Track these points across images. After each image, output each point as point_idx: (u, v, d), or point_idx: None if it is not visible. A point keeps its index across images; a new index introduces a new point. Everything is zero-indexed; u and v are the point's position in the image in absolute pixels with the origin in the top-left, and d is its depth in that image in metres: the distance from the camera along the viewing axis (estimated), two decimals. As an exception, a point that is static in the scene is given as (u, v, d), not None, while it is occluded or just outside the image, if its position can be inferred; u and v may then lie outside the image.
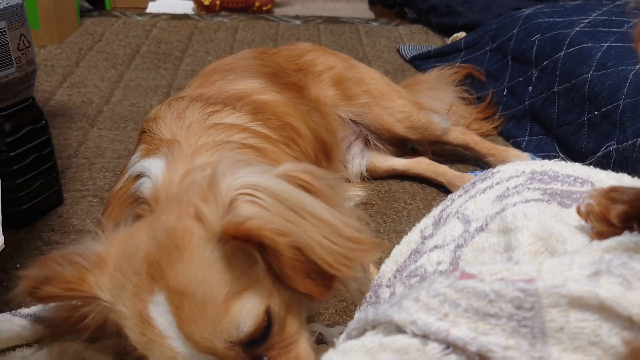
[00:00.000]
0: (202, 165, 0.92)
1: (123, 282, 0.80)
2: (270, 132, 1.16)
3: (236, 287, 0.78)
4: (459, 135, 1.73)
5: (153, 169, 0.95)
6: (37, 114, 1.43)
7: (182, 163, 0.94)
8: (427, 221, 1.02)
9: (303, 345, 0.85)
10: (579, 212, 0.74)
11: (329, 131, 1.49)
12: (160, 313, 0.77)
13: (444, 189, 1.62)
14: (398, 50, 2.61)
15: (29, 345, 1.03)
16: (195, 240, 0.78)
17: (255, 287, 0.79)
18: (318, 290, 0.81)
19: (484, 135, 1.83)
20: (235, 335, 0.77)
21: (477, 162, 1.73)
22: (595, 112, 1.57)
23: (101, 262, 0.83)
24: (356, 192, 1.57)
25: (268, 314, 0.80)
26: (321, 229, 0.79)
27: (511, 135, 1.86)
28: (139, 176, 0.98)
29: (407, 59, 2.51)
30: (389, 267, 1.00)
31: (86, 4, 3.07)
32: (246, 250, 0.79)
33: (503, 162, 1.60)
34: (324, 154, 1.39)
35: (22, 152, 1.38)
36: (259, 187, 0.79)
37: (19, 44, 1.32)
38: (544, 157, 1.64)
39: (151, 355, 0.79)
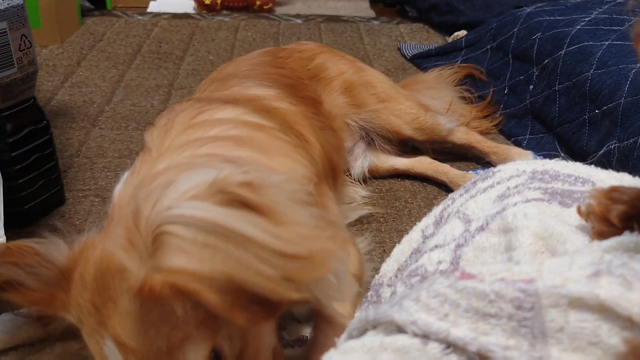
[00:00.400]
0: (158, 172, 0.87)
1: (82, 317, 0.78)
2: (266, 122, 1.12)
3: (177, 336, 0.73)
4: (462, 135, 1.73)
5: (119, 184, 0.94)
6: (39, 114, 1.43)
7: (142, 171, 0.91)
8: (428, 220, 1.02)
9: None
10: (579, 212, 0.74)
11: (338, 150, 1.47)
12: (115, 358, 0.75)
13: (445, 188, 1.62)
14: (399, 49, 2.61)
15: (31, 345, 1.04)
16: (124, 292, 0.73)
17: (196, 331, 0.74)
18: (264, 316, 0.73)
19: (484, 133, 1.83)
20: None
21: (478, 160, 1.73)
22: (596, 111, 1.57)
23: (66, 280, 0.80)
24: (358, 192, 1.58)
25: (215, 352, 0.75)
26: (256, 254, 0.69)
27: (512, 134, 1.86)
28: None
29: (408, 57, 2.51)
30: (390, 266, 1.00)
31: (87, 4, 3.07)
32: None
33: (505, 160, 1.61)
34: (331, 173, 1.36)
35: (24, 152, 1.39)
36: (182, 220, 0.69)
37: (20, 44, 1.33)
38: (544, 156, 1.64)
39: None
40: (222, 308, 0.68)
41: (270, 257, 0.69)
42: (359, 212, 1.51)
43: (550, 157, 1.43)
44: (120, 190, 0.90)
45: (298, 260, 0.71)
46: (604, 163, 1.46)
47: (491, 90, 1.98)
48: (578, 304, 0.58)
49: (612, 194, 0.69)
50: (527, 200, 0.82)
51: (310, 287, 0.74)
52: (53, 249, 0.84)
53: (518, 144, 1.81)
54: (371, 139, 1.68)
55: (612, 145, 1.46)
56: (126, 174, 0.98)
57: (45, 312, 0.82)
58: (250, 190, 0.73)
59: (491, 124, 1.90)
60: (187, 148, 0.94)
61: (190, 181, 0.74)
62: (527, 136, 1.82)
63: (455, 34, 2.55)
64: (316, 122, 1.39)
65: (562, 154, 1.66)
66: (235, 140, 0.99)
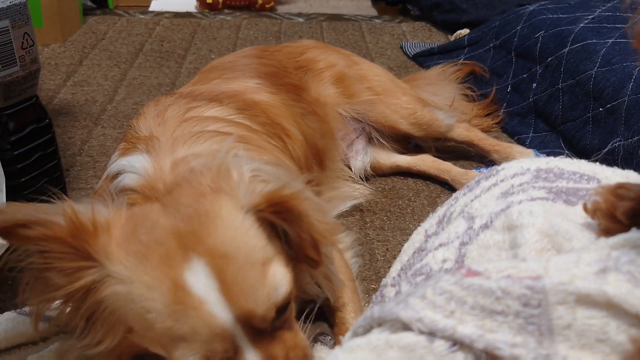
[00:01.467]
0: (187, 157, 0.95)
1: (144, 252, 0.78)
2: (253, 125, 1.17)
3: (268, 253, 0.82)
4: (463, 131, 1.72)
5: (138, 164, 0.96)
6: (41, 112, 1.43)
7: (165, 155, 0.97)
8: (431, 221, 1.02)
9: (296, 325, 0.90)
10: (585, 209, 0.73)
11: (325, 135, 1.48)
12: (198, 279, 0.76)
13: (449, 187, 1.62)
14: (401, 48, 2.61)
15: (34, 343, 1.04)
16: (225, 211, 0.81)
17: (280, 255, 0.85)
18: (318, 259, 0.89)
19: (485, 131, 1.82)
20: (274, 297, 0.80)
21: (481, 158, 1.73)
22: (600, 109, 1.56)
23: (108, 229, 0.81)
24: (359, 190, 1.57)
25: (290, 289, 0.84)
26: (314, 208, 0.88)
27: (515, 132, 1.86)
28: (117, 175, 0.98)
29: (411, 56, 2.50)
30: (393, 266, 0.99)
31: (89, 3, 3.07)
32: (266, 222, 0.84)
33: (507, 158, 1.60)
34: (316, 159, 1.38)
35: (26, 150, 1.38)
36: (263, 171, 0.87)
37: (22, 42, 1.32)
38: (548, 154, 1.64)
39: (183, 324, 0.76)
40: (307, 230, 0.85)
41: (322, 214, 0.90)
42: (350, 201, 1.52)
43: (554, 155, 1.42)
44: (152, 167, 0.94)
45: (331, 223, 0.93)
46: (609, 161, 1.45)
47: (494, 88, 1.98)
48: (586, 300, 0.57)
49: (619, 190, 0.69)
50: (532, 199, 0.81)
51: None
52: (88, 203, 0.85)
53: (521, 142, 1.81)
54: (370, 134, 1.67)
55: (616, 143, 1.46)
56: (123, 158, 1.00)
57: (79, 256, 0.79)
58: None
59: (493, 122, 1.90)
60: (196, 140, 1.01)
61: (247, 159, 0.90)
62: (531, 134, 1.82)
63: (458, 32, 2.54)
64: (297, 109, 1.40)
65: (566, 152, 1.66)
66: (235, 137, 1.05)
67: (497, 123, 1.90)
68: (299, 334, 0.88)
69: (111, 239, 0.80)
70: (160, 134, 1.05)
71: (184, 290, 0.76)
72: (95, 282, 0.80)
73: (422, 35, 2.80)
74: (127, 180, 0.95)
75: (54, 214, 0.80)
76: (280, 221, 0.84)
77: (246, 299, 0.77)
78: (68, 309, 0.85)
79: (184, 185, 0.86)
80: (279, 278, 0.81)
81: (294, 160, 1.24)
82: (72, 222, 0.79)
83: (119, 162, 1.00)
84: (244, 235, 0.81)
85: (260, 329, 0.80)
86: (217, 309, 0.76)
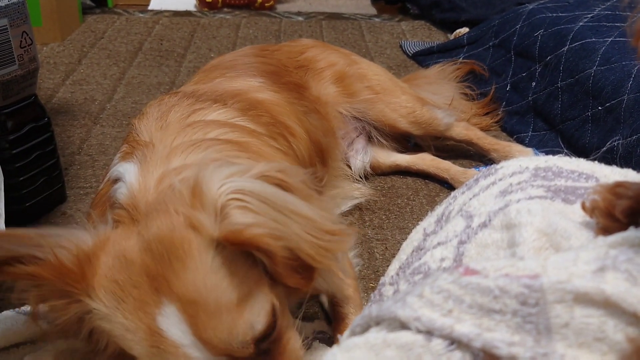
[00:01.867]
0: (177, 168, 0.92)
1: (121, 295, 0.79)
2: (256, 127, 1.15)
3: (244, 290, 0.79)
4: (462, 130, 1.72)
5: (127, 175, 0.94)
6: (40, 111, 1.43)
7: (156, 166, 0.94)
8: (430, 220, 1.02)
9: (293, 334, 0.89)
10: (583, 207, 0.73)
11: (327, 133, 1.48)
12: (172, 324, 0.77)
13: (448, 185, 1.62)
14: (401, 47, 2.61)
15: (32, 342, 1.03)
16: (195, 249, 0.78)
17: (259, 286, 0.82)
18: (304, 282, 0.84)
19: (484, 129, 1.82)
20: (251, 334, 0.79)
21: (480, 157, 1.73)
22: (599, 107, 1.56)
23: (92, 261, 0.81)
24: (360, 189, 1.57)
25: (274, 309, 0.82)
26: (304, 225, 0.82)
27: (514, 131, 1.86)
28: (117, 180, 0.97)
29: (410, 55, 2.50)
30: (392, 265, 0.99)
31: (88, 1, 3.07)
32: (243, 253, 0.80)
33: (506, 157, 1.60)
34: (319, 157, 1.38)
35: (25, 149, 1.38)
36: (245, 191, 0.80)
37: (21, 41, 1.32)
38: (547, 153, 1.63)
39: None
40: (283, 264, 0.79)
41: (314, 230, 0.82)
42: (330, 203, 1.52)
43: (553, 154, 1.41)
44: (137, 181, 0.92)
45: (333, 234, 0.85)
46: (608, 160, 1.45)
47: (493, 87, 1.98)
48: (583, 299, 0.57)
49: (617, 189, 0.69)
50: (531, 198, 0.81)
51: (332, 260, 0.86)
52: (74, 232, 0.85)
53: (520, 141, 1.81)
54: (369, 133, 1.67)
55: (615, 142, 1.46)
56: (121, 164, 0.99)
57: (70, 291, 0.80)
58: (287, 175, 0.85)
59: (492, 121, 1.90)
60: (194, 149, 0.98)
61: (230, 169, 0.83)
62: (530, 133, 1.82)
63: (457, 31, 2.54)
64: (300, 107, 1.40)
65: (565, 151, 1.66)
66: (234, 144, 1.04)
67: (496, 122, 1.90)
68: (291, 341, 0.87)
69: (95, 272, 0.80)
70: (158, 141, 1.02)
71: (160, 336, 0.77)
72: (83, 314, 0.82)
73: (421, 34, 2.80)
74: (119, 193, 0.93)
75: (38, 247, 0.80)
76: (254, 252, 0.81)
77: (221, 340, 0.77)
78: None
79: (160, 210, 0.83)
80: (255, 314, 0.79)
81: (299, 160, 1.23)
82: (55, 263, 0.80)
83: (118, 168, 0.99)
84: (215, 276, 0.78)
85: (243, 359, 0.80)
86: (193, 352, 0.77)
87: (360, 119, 1.65)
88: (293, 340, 0.88)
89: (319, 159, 1.39)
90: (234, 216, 0.78)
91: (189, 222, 0.79)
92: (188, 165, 0.92)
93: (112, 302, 0.80)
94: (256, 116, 1.20)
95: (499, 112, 1.93)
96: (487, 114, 1.92)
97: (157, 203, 0.85)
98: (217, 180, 0.80)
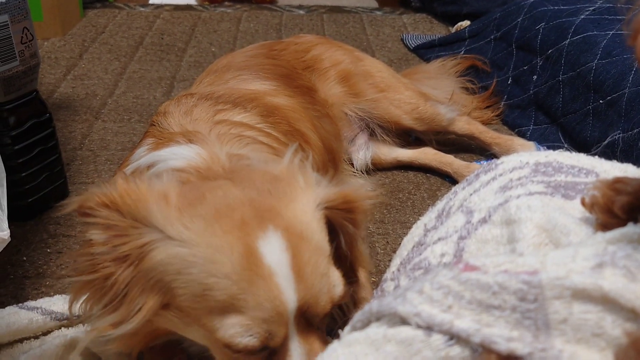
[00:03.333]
0: (237, 155, 0.94)
1: (214, 216, 0.75)
2: (278, 135, 1.16)
3: (329, 251, 0.81)
4: (464, 125, 1.72)
5: (184, 152, 0.93)
6: (41, 107, 1.43)
7: (215, 147, 0.95)
8: (430, 215, 1.02)
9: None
10: (583, 203, 0.73)
11: (337, 137, 1.48)
12: (273, 250, 0.74)
13: (449, 179, 1.62)
14: (402, 40, 2.60)
15: (35, 337, 1.04)
16: (302, 197, 0.80)
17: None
18: (357, 276, 0.95)
19: (485, 123, 1.82)
20: (334, 293, 0.79)
21: (482, 151, 1.73)
22: (601, 101, 1.56)
23: (165, 196, 0.77)
24: (361, 184, 1.58)
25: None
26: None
27: (516, 125, 1.86)
28: (150, 166, 0.95)
29: (411, 48, 2.50)
30: (393, 261, 1.00)
31: (89, -4, 3.07)
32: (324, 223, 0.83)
33: (508, 151, 1.60)
34: (332, 162, 1.38)
35: (27, 145, 1.39)
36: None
37: (22, 37, 1.32)
38: (548, 147, 1.64)
39: (249, 293, 0.73)
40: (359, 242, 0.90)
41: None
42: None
43: (554, 148, 1.42)
44: (201, 155, 0.92)
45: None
46: (608, 154, 1.45)
47: (494, 80, 1.98)
48: (582, 295, 0.57)
49: (616, 185, 0.69)
50: (530, 194, 0.81)
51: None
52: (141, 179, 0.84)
53: (522, 134, 1.81)
54: (372, 130, 1.67)
55: (616, 135, 1.46)
56: (156, 152, 0.98)
57: (133, 224, 0.76)
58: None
59: (493, 115, 1.90)
60: (238, 141, 1.01)
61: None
62: (531, 127, 1.82)
63: (459, 24, 2.54)
64: (313, 112, 1.40)
65: (566, 145, 1.66)
66: (268, 147, 1.06)
67: (497, 115, 1.90)
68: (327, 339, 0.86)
69: (169, 204, 0.77)
70: (199, 130, 1.03)
71: (257, 258, 0.73)
72: (147, 246, 0.76)
73: (423, 27, 2.79)
74: (173, 164, 0.91)
75: (110, 188, 0.79)
76: (345, 222, 0.84)
77: (313, 284, 0.76)
78: (103, 281, 0.79)
79: (252, 169, 0.85)
80: (337, 276, 0.80)
81: (314, 169, 1.24)
82: (123, 190, 0.77)
83: (153, 155, 0.97)
84: (317, 225, 0.80)
85: (311, 321, 0.79)
86: (286, 286, 0.74)
87: (364, 118, 1.65)
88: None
89: (332, 164, 1.38)
90: (330, 186, 0.86)
91: (293, 180, 0.82)
92: (243, 155, 0.95)
93: (200, 224, 0.75)
94: (275, 123, 1.20)
95: (500, 106, 1.93)
96: (488, 107, 1.92)
97: (243, 168, 0.86)
98: (303, 167, 0.87)
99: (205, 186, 0.81)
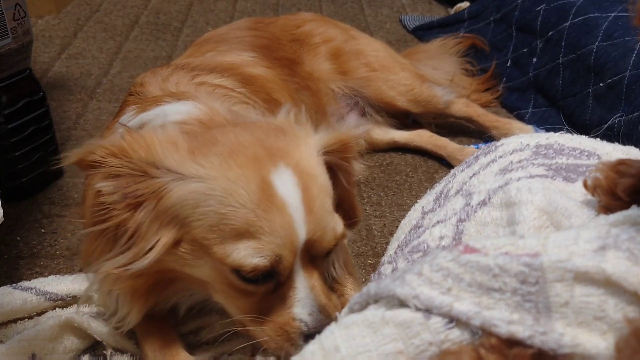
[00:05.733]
0: (230, 111, 0.98)
1: (228, 152, 0.80)
2: (257, 101, 1.17)
3: (332, 194, 0.87)
4: (462, 107, 1.71)
5: (179, 108, 0.96)
6: (35, 85, 1.41)
7: (210, 102, 0.98)
8: (428, 198, 1.01)
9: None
10: (585, 185, 0.72)
11: (318, 111, 1.47)
12: (285, 183, 0.79)
13: (446, 162, 1.61)
14: (400, 21, 2.57)
15: (29, 318, 1.03)
16: (306, 143, 0.86)
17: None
18: (359, 214, 1.00)
19: (484, 106, 1.80)
20: (337, 230, 0.85)
21: (480, 134, 1.72)
22: (601, 84, 1.55)
23: (173, 143, 0.82)
24: (348, 126, 1.56)
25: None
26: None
27: (515, 107, 1.84)
28: (142, 126, 0.96)
29: (410, 29, 2.47)
30: (390, 244, 0.99)
31: (83, -26, 3.01)
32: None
33: (506, 134, 1.58)
34: None
35: (21, 124, 1.37)
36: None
37: (14, 13, 1.30)
38: (548, 130, 1.62)
39: (264, 220, 0.78)
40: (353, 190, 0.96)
41: None
42: None
43: (555, 130, 1.40)
44: (199, 109, 0.95)
45: None
46: (609, 137, 1.44)
47: (493, 63, 1.96)
48: (584, 278, 0.57)
49: (620, 167, 0.68)
50: (531, 177, 0.81)
51: None
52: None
53: (520, 117, 1.79)
54: (363, 109, 1.65)
55: (617, 118, 1.45)
56: (144, 113, 0.99)
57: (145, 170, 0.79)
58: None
59: (492, 97, 1.88)
60: (227, 99, 1.06)
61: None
62: (530, 110, 1.80)
63: (458, 5, 2.51)
64: (292, 85, 1.40)
65: (567, 127, 1.64)
66: (254, 109, 1.11)
67: (496, 98, 1.89)
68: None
69: (179, 149, 0.81)
70: (185, 90, 1.06)
71: (271, 189, 0.78)
72: (162, 188, 0.79)
73: (421, 9, 2.76)
74: (173, 117, 0.94)
75: (114, 140, 0.83)
76: (343, 162, 0.91)
77: (321, 218, 0.81)
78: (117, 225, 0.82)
79: (254, 121, 0.92)
80: (337, 216, 0.86)
81: None
82: (130, 140, 0.80)
83: (142, 116, 0.99)
84: (321, 167, 0.86)
85: (315, 258, 0.85)
86: (298, 217, 0.79)
87: (354, 96, 1.63)
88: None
89: None
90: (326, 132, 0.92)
91: (295, 129, 0.88)
92: (238, 112, 1.00)
93: (215, 161, 0.79)
94: (255, 92, 1.20)
95: (499, 88, 1.91)
96: (487, 90, 1.90)
97: (244, 120, 0.92)
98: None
99: (215, 130, 0.86)
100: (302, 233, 0.80)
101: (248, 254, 0.77)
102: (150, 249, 0.80)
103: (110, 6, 2.69)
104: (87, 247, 0.85)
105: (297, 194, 0.80)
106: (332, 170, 0.92)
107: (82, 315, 0.97)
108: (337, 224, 0.85)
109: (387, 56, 1.68)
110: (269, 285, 0.83)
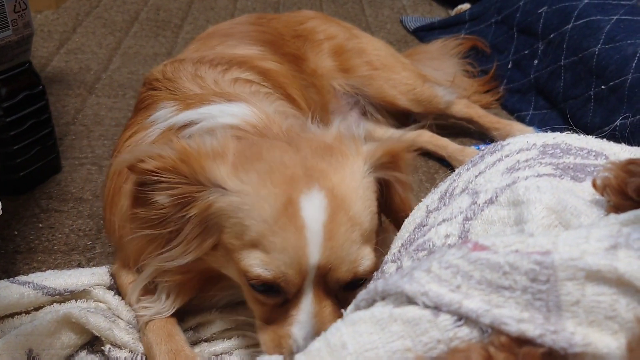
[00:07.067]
0: (283, 112, 1.03)
1: (267, 170, 0.82)
2: (283, 98, 1.18)
3: (373, 224, 0.86)
4: (462, 108, 1.70)
5: (231, 110, 0.98)
6: (34, 79, 1.40)
7: (261, 105, 1.00)
8: (433, 196, 1.00)
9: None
10: (594, 185, 0.72)
11: (322, 108, 1.47)
12: (311, 206, 0.79)
13: (446, 162, 1.60)
14: (401, 22, 2.57)
15: (27, 312, 1.02)
16: (353, 163, 0.85)
17: (373, 237, 0.88)
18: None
19: (485, 107, 1.80)
20: (359, 265, 0.83)
21: (481, 135, 1.71)
22: (602, 87, 1.55)
23: (221, 154, 0.84)
24: (396, 134, 1.56)
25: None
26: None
27: (515, 109, 1.84)
28: (186, 126, 0.99)
29: (411, 30, 2.47)
30: (393, 242, 0.98)
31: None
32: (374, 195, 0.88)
33: (507, 136, 1.57)
34: None
35: (19, 117, 1.36)
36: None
37: (15, 6, 1.29)
38: (551, 130, 1.62)
39: (278, 236, 0.79)
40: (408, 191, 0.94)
41: None
42: None
43: (560, 131, 1.40)
44: (254, 113, 0.97)
45: None
46: (611, 140, 1.44)
47: (495, 64, 1.95)
48: (595, 277, 0.56)
49: (630, 166, 0.67)
50: (539, 175, 0.80)
51: None
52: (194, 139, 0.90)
53: (521, 119, 1.79)
54: (364, 108, 1.64)
55: (619, 122, 1.44)
56: (187, 112, 1.01)
57: (197, 180, 0.83)
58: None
59: (492, 99, 1.88)
60: (268, 98, 1.08)
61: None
62: (531, 112, 1.80)
63: (459, 7, 2.51)
64: (301, 81, 1.40)
65: (573, 127, 1.64)
66: (290, 105, 1.12)
67: (496, 100, 1.88)
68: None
69: (226, 161, 0.84)
70: (226, 89, 1.07)
71: (295, 209, 0.79)
72: (207, 199, 0.83)
73: (422, 10, 2.76)
74: (225, 120, 0.96)
75: (165, 149, 0.86)
76: (396, 174, 0.90)
77: (340, 247, 0.80)
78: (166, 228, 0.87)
79: (307, 133, 0.91)
80: (368, 252, 0.84)
81: None
82: (181, 151, 0.83)
83: (187, 114, 1.01)
84: (361, 193, 0.84)
85: (330, 287, 0.83)
86: (313, 241, 0.79)
87: (355, 94, 1.62)
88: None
89: None
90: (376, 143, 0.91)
91: (345, 147, 0.87)
92: (286, 112, 1.02)
93: (254, 178, 0.81)
94: (274, 87, 1.20)
95: (500, 90, 1.91)
96: (487, 91, 1.90)
97: (298, 130, 0.92)
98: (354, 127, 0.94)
99: (264, 144, 0.87)
100: (314, 256, 0.80)
101: (255, 264, 0.81)
102: (193, 250, 0.86)
103: (110, 2, 2.68)
104: (138, 247, 0.92)
105: (321, 218, 0.79)
106: (387, 182, 0.92)
107: (81, 310, 0.96)
108: (361, 258, 0.83)
109: (389, 55, 1.67)
110: (276, 299, 0.85)
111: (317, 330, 0.81)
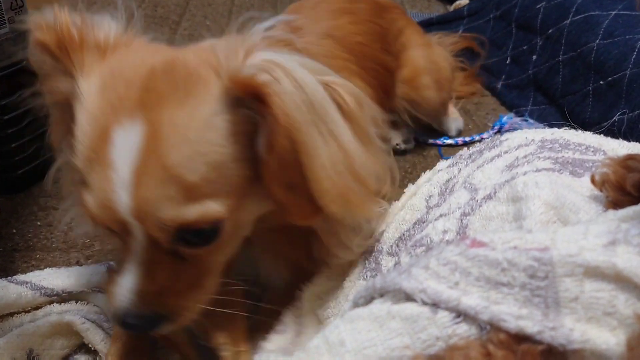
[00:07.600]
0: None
1: (107, 84, 0.71)
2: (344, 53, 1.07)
3: (215, 176, 0.67)
4: None
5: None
6: (32, 76, 1.39)
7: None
8: (432, 190, 1.00)
9: (217, 276, 0.77)
10: (593, 181, 0.72)
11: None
12: (125, 141, 0.66)
13: (446, 158, 1.60)
14: (399, 17, 2.56)
15: (25, 312, 1.02)
16: (206, 92, 0.68)
17: (233, 191, 0.69)
18: (295, 208, 0.70)
19: (473, 94, 1.80)
20: (183, 212, 0.66)
21: (482, 128, 1.71)
22: (601, 82, 1.54)
23: (104, 48, 0.77)
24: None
25: (221, 221, 0.70)
26: (332, 151, 0.69)
27: (514, 105, 1.84)
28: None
29: (409, 26, 2.46)
30: (390, 233, 0.97)
31: (80, -34, 3.00)
32: (246, 137, 0.68)
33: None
34: None
35: (17, 115, 1.35)
36: (286, 71, 0.66)
37: (11, 3, 1.28)
38: (549, 126, 1.62)
39: (90, 172, 0.69)
40: (279, 155, 0.66)
41: (341, 164, 0.70)
42: (390, 161, 1.44)
43: (558, 126, 1.40)
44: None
45: (363, 186, 0.73)
46: (609, 135, 1.44)
47: (478, 63, 1.95)
48: (594, 273, 0.56)
49: (628, 162, 0.67)
50: (538, 170, 0.80)
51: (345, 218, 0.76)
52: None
53: (520, 114, 1.79)
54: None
55: (617, 117, 1.44)
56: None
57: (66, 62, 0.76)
58: (355, 102, 0.73)
59: (475, 83, 1.88)
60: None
61: (309, 63, 0.72)
62: (529, 107, 1.80)
63: (457, 2, 2.50)
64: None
65: (572, 123, 1.64)
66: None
67: (481, 85, 1.89)
68: (207, 286, 0.75)
69: (102, 58, 0.75)
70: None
71: (106, 144, 0.66)
72: (70, 94, 0.75)
73: (420, 5, 2.75)
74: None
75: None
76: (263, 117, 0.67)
77: (150, 202, 0.65)
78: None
79: (205, 48, 0.77)
80: (201, 205, 0.67)
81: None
82: (60, 31, 0.77)
83: None
84: (205, 134, 0.67)
85: (157, 240, 0.69)
86: (121, 187, 0.65)
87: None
88: (209, 289, 0.76)
89: None
90: (257, 72, 0.66)
91: (215, 65, 0.70)
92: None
93: (94, 88, 0.71)
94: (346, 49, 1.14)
95: (481, 74, 1.91)
96: (472, 80, 1.90)
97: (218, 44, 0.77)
98: (269, 52, 0.69)
99: (139, 47, 0.80)
100: (123, 207, 0.66)
101: (88, 202, 0.69)
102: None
103: (107, -1, 2.67)
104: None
105: (129, 161, 0.65)
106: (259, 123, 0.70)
107: (83, 323, 0.95)
108: (185, 208, 0.66)
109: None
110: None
111: (145, 284, 0.70)
